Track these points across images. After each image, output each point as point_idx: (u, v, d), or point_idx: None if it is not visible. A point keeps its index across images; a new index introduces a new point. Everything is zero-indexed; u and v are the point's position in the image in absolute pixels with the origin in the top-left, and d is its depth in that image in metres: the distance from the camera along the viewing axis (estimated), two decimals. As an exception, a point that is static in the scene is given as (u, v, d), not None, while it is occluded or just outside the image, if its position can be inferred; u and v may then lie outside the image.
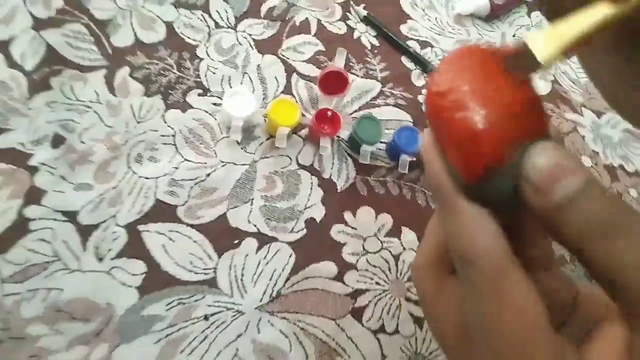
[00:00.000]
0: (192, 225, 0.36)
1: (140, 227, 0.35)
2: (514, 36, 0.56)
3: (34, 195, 0.34)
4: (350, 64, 0.47)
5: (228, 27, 0.45)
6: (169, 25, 0.43)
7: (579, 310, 0.20)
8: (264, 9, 0.47)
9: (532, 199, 0.17)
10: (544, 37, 0.17)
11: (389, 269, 0.39)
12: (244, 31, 0.45)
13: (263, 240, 0.37)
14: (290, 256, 0.37)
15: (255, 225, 0.38)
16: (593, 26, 0.17)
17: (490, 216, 0.18)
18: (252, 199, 0.39)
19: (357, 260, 0.39)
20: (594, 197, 0.16)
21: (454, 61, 0.18)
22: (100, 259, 0.34)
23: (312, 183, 0.41)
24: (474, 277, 0.17)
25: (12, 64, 0.37)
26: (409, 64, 0.49)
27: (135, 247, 0.35)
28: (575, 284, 0.22)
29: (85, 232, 0.34)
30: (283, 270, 0.37)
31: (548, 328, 0.16)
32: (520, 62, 0.17)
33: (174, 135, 0.39)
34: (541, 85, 0.54)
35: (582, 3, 0.18)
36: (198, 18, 0.44)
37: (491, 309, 0.17)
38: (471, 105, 0.17)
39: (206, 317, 0.34)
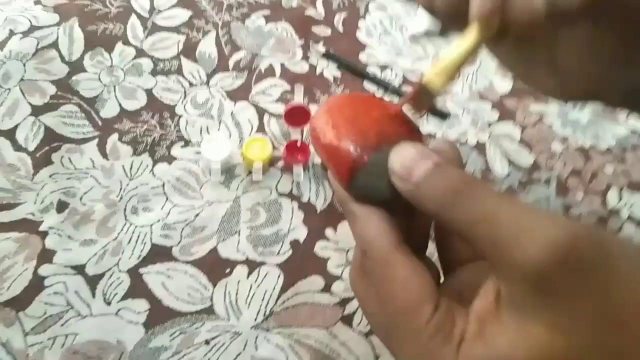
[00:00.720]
0: (187, 262, 0.40)
1: (141, 270, 0.39)
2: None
3: (45, 256, 0.39)
4: (316, 97, 0.52)
5: (201, 84, 0.50)
6: (149, 92, 0.49)
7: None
8: (231, 62, 0.52)
9: (401, 187, 0.21)
10: (433, 72, 0.22)
11: (373, 275, 0.42)
12: (215, 85, 0.50)
13: (252, 265, 0.41)
14: (279, 276, 0.41)
15: (244, 254, 0.41)
16: (468, 52, 0.22)
17: (378, 214, 0.22)
18: (239, 230, 0.43)
19: (342, 272, 0.42)
20: (443, 174, 0.20)
21: (323, 107, 0.25)
22: (108, 303, 0.38)
23: (292, 208, 0.44)
24: (370, 264, 0.22)
25: (17, 147, 0.43)
26: (371, 87, 0.54)
27: (138, 288, 0.39)
28: None
29: (92, 281, 0.38)
30: (273, 290, 0.40)
31: (433, 291, 0.20)
32: (422, 98, 0.23)
33: (163, 186, 0.44)
34: (502, 85, 0.57)
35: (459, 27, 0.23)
36: (173, 81, 0.50)
37: (385, 286, 0.21)
38: (328, 132, 0.23)
39: (207, 342, 0.37)
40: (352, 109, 0.23)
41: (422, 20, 0.59)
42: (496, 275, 0.18)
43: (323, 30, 0.57)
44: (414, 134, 0.24)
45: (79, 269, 0.39)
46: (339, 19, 0.59)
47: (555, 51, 0.24)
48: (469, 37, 0.22)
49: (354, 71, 0.54)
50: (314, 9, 0.59)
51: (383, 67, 0.56)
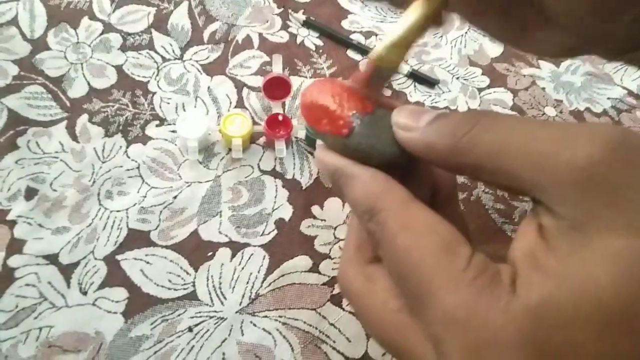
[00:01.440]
0: (166, 246, 0.38)
1: (118, 257, 0.38)
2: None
3: (15, 246, 0.37)
4: (297, 67, 0.49)
5: (175, 59, 0.47)
6: (119, 69, 0.46)
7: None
8: (206, 34, 0.49)
9: (406, 138, 0.20)
10: (384, 49, 0.22)
11: (362, 252, 0.40)
12: (190, 59, 0.48)
13: (236, 247, 0.39)
14: (264, 258, 0.39)
15: (226, 235, 0.39)
16: (417, 25, 0.21)
17: (383, 172, 0.20)
18: (220, 211, 0.40)
19: (330, 250, 0.40)
20: (450, 115, 0.18)
21: (315, 83, 0.24)
22: (85, 293, 0.36)
23: (276, 186, 0.42)
24: (383, 218, 0.19)
25: (-21, 133, 0.41)
26: (356, 56, 0.51)
27: (115, 276, 0.37)
28: None
29: (67, 271, 0.36)
30: (259, 272, 0.38)
31: (464, 238, 0.18)
32: (377, 77, 0.22)
33: (138, 167, 0.41)
34: (493, 48, 0.55)
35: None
36: (145, 56, 0.47)
37: (404, 237, 0.18)
38: (323, 96, 0.22)
39: (190, 329, 0.36)
40: (344, 85, 0.23)
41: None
42: (539, 195, 0.16)
43: (303, -3, 0.54)
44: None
45: (52, 259, 0.37)
46: (319, -16, 0.56)
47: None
48: (417, 8, 0.21)
49: (337, 39, 0.52)
50: (292, -25, 0.56)
51: (367, 34, 0.53)
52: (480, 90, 0.51)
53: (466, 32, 0.56)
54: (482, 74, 0.53)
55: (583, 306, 0.14)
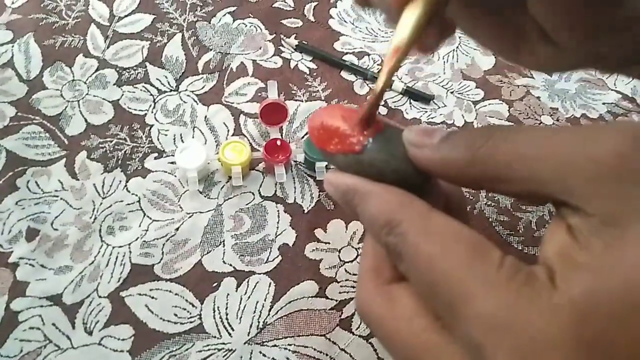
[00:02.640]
0: (171, 280, 0.38)
1: (123, 294, 0.37)
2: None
3: (17, 289, 0.36)
4: (292, 91, 0.49)
5: (170, 91, 0.48)
6: (116, 104, 0.46)
7: None
8: (200, 64, 0.50)
9: (418, 155, 0.20)
10: (393, 62, 0.21)
11: (369, 273, 0.40)
12: (186, 90, 0.48)
13: (241, 276, 0.39)
14: (269, 285, 0.39)
15: (230, 265, 0.39)
16: (415, 30, 0.20)
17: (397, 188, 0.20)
18: (223, 240, 0.40)
19: (336, 273, 0.40)
20: (463, 131, 0.18)
21: (324, 108, 0.24)
22: (90, 333, 0.35)
23: (278, 211, 0.42)
24: (404, 229, 0.18)
25: (-22, 176, 0.41)
26: (350, 77, 0.51)
27: (120, 313, 0.36)
28: None
29: (71, 311, 0.36)
30: (265, 300, 0.38)
31: (488, 243, 0.17)
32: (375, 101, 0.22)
33: (139, 201, 0.41)
34: (485, 61, 0.55)
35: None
36: (141, 90, 0.47)
37: (431, 247, 0.17)
38: (332, 118, 0.23)
39: (199, 363, 0.35)
40: (347, 108, 0.23)
41: None
42: (564, 197, 0.16)
43: (294, 22, 0.55)
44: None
45: (55, 299, 0.36)
46: (309, 8, 0.56)
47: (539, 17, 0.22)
48: (415, 9, 0.20)
49: (330, 61, 0.52)
50: (282, 0, 0.57)
51: (359, 55, 0.53)
52: (475, 103, 0.51)
53: (457, 47, 0.56)
54: (476, 87, 0.53)
55: (631, 296, 0.13)
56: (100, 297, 0.37)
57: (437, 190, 0.22)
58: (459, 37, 0.57)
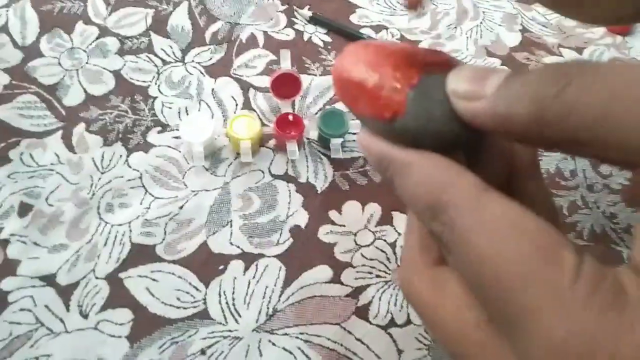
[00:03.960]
0: (173, 261, 0.35)
1: (121, 275, 0.34)
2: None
3: (8, 268, 0.34)
4: (306, 65, 0.46)
5: (175, 62, 0.45)
6: (117, 74, 0.43)
7: None
8: (208, 35, 0.47)
9: (469, 108, 0.16)
10: None
11: (387, 259, 0.37)
12: (192, 61, 0.45)
13: (249, 259, 0.36)
14: (280, 269, 0.36)
15: (238, 247, 0.36)
16: None
17: (443, 156, 0.16)
18: (231, 221, 0.37)
19: (352, 257, 0.37)
20: (527, 75, 0.14)
21: (348, 50, 0.20)
22: (85, 316, 0.33)
23: (289, 190, 0.39)
24: (451, 217, 0.15)
25: (-32, 146, 0.38)
26: (367, 51, 0.48)
27: (119, 296, 0.33)
28: None
29: (65, 292, 0.33)
30: (275, 285, 0.35)
31: (565, 237, 0.14)
32: None
33: (140, 177, 0.38)
34: (510, 37, 0.52)
35: None
36: (144, 60, 0.44)
37: (485, 245, 0.14)
38: (360, 68, 0.18)
39: (203, 352, 0.32)
40: (380, 47, 0.19)
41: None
42: None
43: (308, -7, 0.52)
44: (454, 62, 0.18)
45: (49, 280, 0.34)
46: (324, -21, 0.53)
47: None
48: None
49: (346, 34, 0.49)
50: (295, -29, 0.53)
51: (377, 29, 0.50)
52: (501, 81, 0.48)
53: (481, 22, 0.53)
54: (502, 64, 0.49)
55: None
56: (97, 278, 0.34)
57: (497, 149, 0.19)
58: (483, 13, 0.54)
